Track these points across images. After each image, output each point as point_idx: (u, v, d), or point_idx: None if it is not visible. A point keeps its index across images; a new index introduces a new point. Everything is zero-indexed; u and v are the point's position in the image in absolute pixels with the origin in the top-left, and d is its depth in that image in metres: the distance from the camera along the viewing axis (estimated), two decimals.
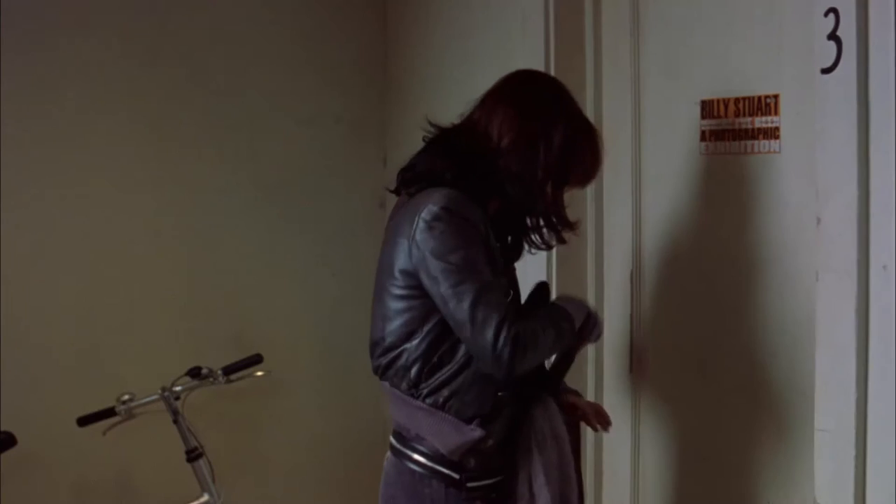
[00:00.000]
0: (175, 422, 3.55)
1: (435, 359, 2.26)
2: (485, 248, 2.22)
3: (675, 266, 2.90)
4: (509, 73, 2.44)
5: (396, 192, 2.42)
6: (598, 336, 2.52)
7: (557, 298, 2.48)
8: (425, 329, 2.26)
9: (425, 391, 2.27)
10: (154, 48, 3.85)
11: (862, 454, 2.13)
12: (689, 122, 2.78)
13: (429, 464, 2.31)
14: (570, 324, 2.33)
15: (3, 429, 3.34)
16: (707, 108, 2.73)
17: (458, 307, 2.17)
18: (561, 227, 2.37)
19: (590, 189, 3.02)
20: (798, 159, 2.44)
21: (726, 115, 2.66)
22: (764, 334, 2.58)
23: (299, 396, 4.14)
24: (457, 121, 2.41)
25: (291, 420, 4.12)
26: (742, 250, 2.64)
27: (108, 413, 3.50)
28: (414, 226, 2.20)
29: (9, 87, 3.55)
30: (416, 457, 2.32)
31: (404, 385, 2.30)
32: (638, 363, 3.05)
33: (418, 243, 2.19)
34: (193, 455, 3.54)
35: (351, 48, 4.20)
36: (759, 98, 2.56)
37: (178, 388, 3.55)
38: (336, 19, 4.18)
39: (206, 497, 3.54)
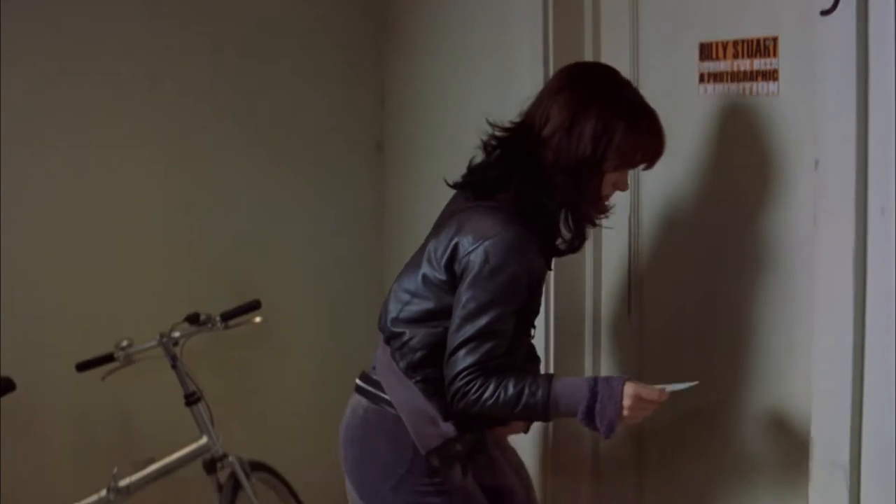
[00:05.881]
0: (174, 367, 3.56)
1: (442, 355, 2.29)
2: (522, 297, 2.25)
3: (672, 207, 2.88)
4: (561, 68, 2.44)
5: (455, 186, 2.44)
6: (606, 431, 2.21)
7: (562, 382, 2.26)
8: (443, 323, 2.29)
9: (420, 377, 2.32)
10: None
11: (859, 397, 2.14)
12: (688, 64, 2.76)
13: None
14: (544, 412, 2.24)
15: (2, 374, 3.37)
16: (705, 51, 2.71)
17: (454, 334, 2.23)
18: (593, 215, 2.40)
19: None
20: (797, 101, 2.42)
21: (725, 58, 2.64)
22: (762, 277, 2.58)
23: (297, 342, 4.14)
24: (517, 118, 2.42)
25: (289, 365, 4.13)
26: (740, 192, 2.62)
27: (107, 359, 3.51)
28: (475, 247, 2.23)
29: (8, 31, 3.52)
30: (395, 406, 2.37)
31: (403, 364, 2.34)
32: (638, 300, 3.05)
33: (471, 262, 2.23)
34: (192, 399, 3.56)
35: None
36: (758, 40, 2.54)
37: (176, 335, 3.56)
38: None
39: (204, 439, 3.56)
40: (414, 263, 2.38)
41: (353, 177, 4.20)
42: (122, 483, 3.44)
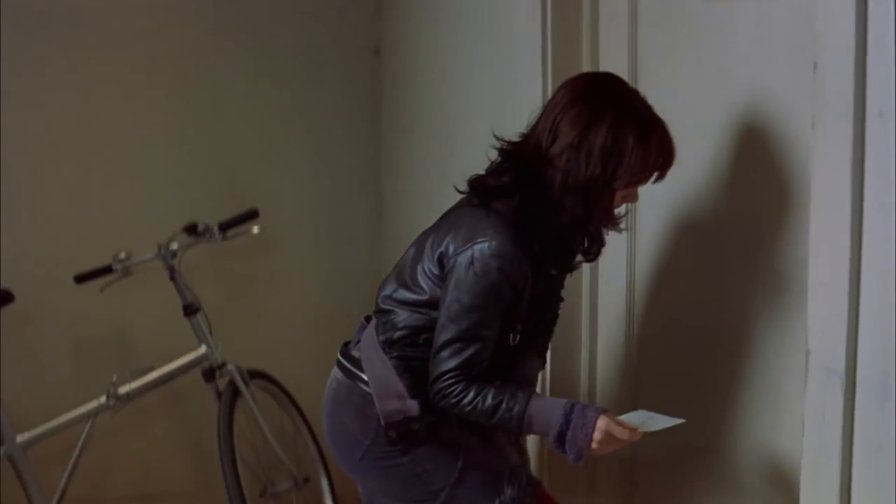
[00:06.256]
0: (172, 279, 3.56)
1: (421, 338, 2.34)
2: (504, 305, 2.27)
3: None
4: (564, 81, 2.39)
5: (463, 192, 2.44)
6: (575, 458, 2.23)
7: (539, 403, 2.26)
8: (431, 313, 2.32)
9: (396, 354, 2.36)
10: None
11: (855, 304, 2.11)
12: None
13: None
14: (517, 428, 2.27)
15: (1, 285, 3.38)
16: None
17: (440, 333, 2.27)
18: (604, 234, 2.41)
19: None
20: (796, 1, 2.37)
21: None
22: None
23: (295, 251, 4.12)
24: (525, 130, 2.40)
25: (287, 275, 4.12)
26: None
27: (106, 271, 3.52)
28: (465, 247, 2.26)
29: None
30: (368, 383, 2.42)
31: (383, 338, 2.38)
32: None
33: (458, 263, 2.26)
34: (190, 310, 3.57)
35: None
36: None
37: (174, 246, 3.56)
38: None
39: (203, 349, 3.58)
40: (416, 251, 2.41)
41: (350, 82, 4.14)
42: (122, 390, 3.47)
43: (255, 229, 3.62)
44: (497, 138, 2.39)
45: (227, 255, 3.83)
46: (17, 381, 3.60)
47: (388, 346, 2.37)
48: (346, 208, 4.20)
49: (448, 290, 2.26)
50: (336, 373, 2.52)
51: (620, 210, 2.40)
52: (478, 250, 2.23)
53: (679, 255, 2.84)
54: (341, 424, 2.47)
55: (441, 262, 2.30)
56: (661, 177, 2.35)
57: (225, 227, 3.57)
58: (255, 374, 3.67)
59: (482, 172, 2.40)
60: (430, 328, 2.32)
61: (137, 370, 3.55)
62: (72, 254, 3.63)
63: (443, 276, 2.30)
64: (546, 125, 2.30)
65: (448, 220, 2.39)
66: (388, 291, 2.42)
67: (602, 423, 2.19)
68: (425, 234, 2.42)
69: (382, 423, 2.36)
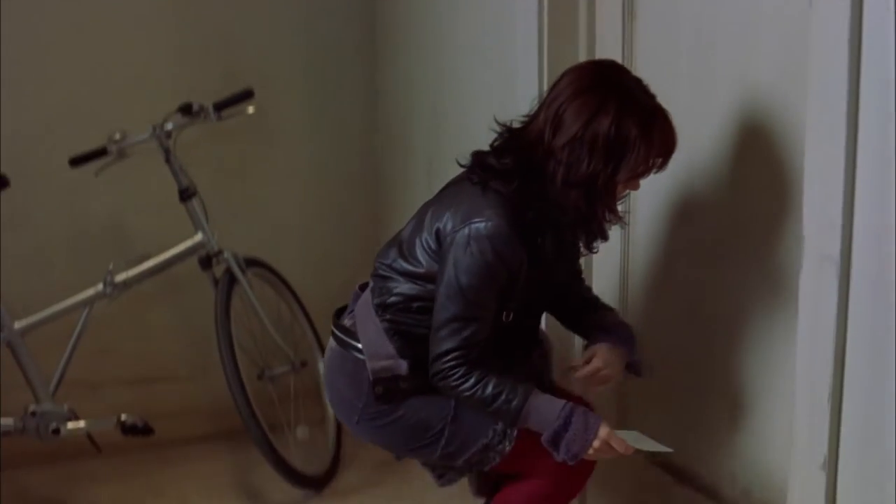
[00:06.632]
0: (167, 161, 3.50)
1: (414, 306, 2.38)
2: (500, 285, 2.30)
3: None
4: (569, 68, 2.37)
5: (465, 167, 2.45)
6: (569, 459, 2.29)
7: (538, 400, 2.31)
8: (426, 285, 2.36)
9: (388, 317, 2.41)
10: None
11: (850, 190, 2.03)
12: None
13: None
14: (512, 421, 2.32)
15: None
16: None
17: (439, 312, 2.31)
18: (607, 230, 2.39)
19: None
20: None
21: None
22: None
23: (291, 137, 4.06)
24: (525, 117, 2.39)
25: (283, 158, 4.06)
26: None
27: (100, 153, 3.46)
28: (462, 226, 2.28)
29: None
30: (359, 349, 2.46)
31: (377, 301, 2.43)
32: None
33: (455, 242, 2.28)
34: (186, 194, 3.52)
35: None
36: None
37: (169, 126, 3.49)
38: None
39: (199, 236, 3.53)
40: (417, 223, 2.42)
41: None
42: (119, 278, 3.45)
43: (251, 109, 3.52)
44: (498, 123, 2.40)
45: (222, 138, 3.77)
46: (15, 267, 3.61)
47: (381, 309, 2.42)
48: (342, 87, 4.11)
49: (445, 269, 2.29)
50: (331, 342, 2.57)
51: (620, 200, 2.40)
52: (474, 230, 2.26)
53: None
54: (338, 392, 2.53)
55: (438, 237, 2.33)
56: (663, 165, 2.34)
57: (220, 106, 3.48)
58: (251, 262, 3.63)
59: (486, 151, 2.40)
60: (423, 297, 2.36)
61: (134, 258, 3.53)
62: (67, 138, 3.58)
63: (439, 252, 2.33)
64: (549, 115, 2.29)
65: (448, 194, 2.41)
66: (387, 260, 2.44)
67: (604, 431, 2.28)
68: (426, 206, 2.44)
69: (371, 378, 2.41)
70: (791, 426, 2.24)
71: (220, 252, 3.52)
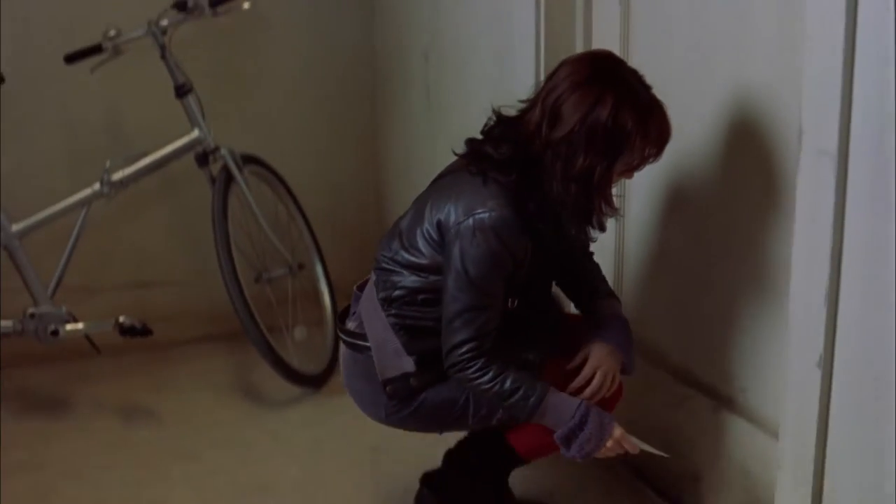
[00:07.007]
0: (163, 57, 3.46)
1: (419, 298, 2.39)
2: (506, 273, 2.32)
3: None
4: (566, 59, 2.36)
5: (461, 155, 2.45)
6: (582, 457, 2.33)
7: (556, 398, 2.34)
8: (430, 277, 2.37)
9: (394, 312, 2.42)
10: None
11: (848, 83, 1.97)
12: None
13: None
14: (527, 417, 2.34)
15: None
16: None
17: (450, 304, 2.31)
18: (604, 222, 2.39)
19: None
20: None
21: None
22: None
23: (286, 32, 4.00)
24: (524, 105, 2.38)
25: (280, 54, 4.00)
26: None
27: (95, 50, 3.41)
28: (466, 217, 2.28)
29: None
30: (369, 349, 2.49)
31: (382, 295, 2.43)
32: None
33: (460, 233, 2.28)
34: (182, 91, 3.48)
35: None
36: None
37: (164, 23, 3.44)
38: None
39: (196, 133, 3.50)
40: (415, 214, 2.42)
41: None
42: (116, 177, 3.43)
43: (246, 5, 3.46)
44: (495, 111, 2.39)
45: (217, 35, 3.73)
46: (12, 167, 3.60)
47: (386, 303, 2.42)
48: None
49: (452, 261, 2.30)
50: (342, 348, 2.60)
51: (615, 191, 2.41)
52: (479, 220, 2.27)
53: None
54: (359, 393, 2.56)
55: (440, 228, 2.33)
56: (657, 156, 2.35)
57: (215, 2, 3.42)
58: (248, 159, 3.59)
59: (479, 136, 2.40)
60: (427, 289, 2.37)
61: (131, 156, 3.50)
62: (62, 36, 3.54)
63: (442, 243, 2.34)
64: (546, 107, 2.29)
65: (447, 185, 2.40)
66: (389, 252, 2.45)
67: (618, 432, 2.34)
68: (423, 198, 2.44)
69: (380, 378, 2.43)
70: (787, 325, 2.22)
71: (216, 149, 3.48)
